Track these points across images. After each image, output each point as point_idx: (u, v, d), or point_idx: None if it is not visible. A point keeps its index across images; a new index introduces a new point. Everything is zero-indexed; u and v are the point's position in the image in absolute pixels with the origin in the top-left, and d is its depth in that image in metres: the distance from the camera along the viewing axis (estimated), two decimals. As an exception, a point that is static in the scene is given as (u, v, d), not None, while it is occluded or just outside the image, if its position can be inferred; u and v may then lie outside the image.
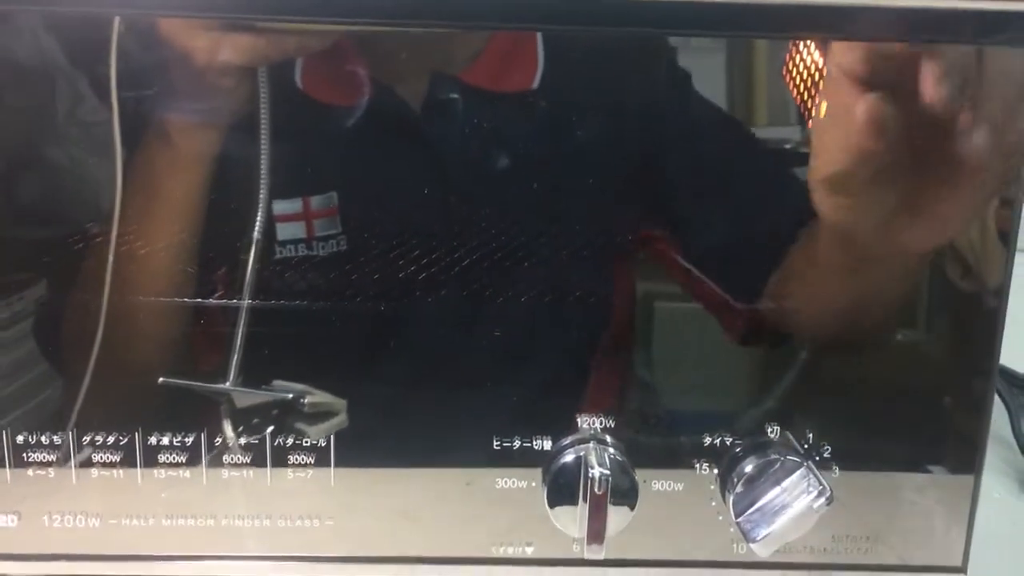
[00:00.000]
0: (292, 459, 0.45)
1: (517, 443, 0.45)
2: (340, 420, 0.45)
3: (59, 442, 0.44)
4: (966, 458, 0.47)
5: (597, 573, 0.47)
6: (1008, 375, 0.68)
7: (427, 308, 0.44)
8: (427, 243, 0.44)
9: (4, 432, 0.44)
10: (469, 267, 0.44)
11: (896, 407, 0.47)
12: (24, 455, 0.44)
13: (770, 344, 0.46)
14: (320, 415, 0.45)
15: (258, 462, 0.45)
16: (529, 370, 0.46)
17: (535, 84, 0.43)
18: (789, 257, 0.45)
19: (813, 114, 0.43)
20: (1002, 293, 0.45)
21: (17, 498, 0.45)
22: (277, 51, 0.41)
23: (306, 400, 0.45)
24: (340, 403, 0.45)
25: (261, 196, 0.43)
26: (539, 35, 0.42)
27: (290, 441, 0.45)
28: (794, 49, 0.42)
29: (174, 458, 0.45)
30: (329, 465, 0.45)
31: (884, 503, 0.47)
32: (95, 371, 0.44)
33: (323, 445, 0.45)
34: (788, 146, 0.44)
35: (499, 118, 0.43)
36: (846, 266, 0.44)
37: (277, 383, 0.45)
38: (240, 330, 0.44)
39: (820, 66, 0.42)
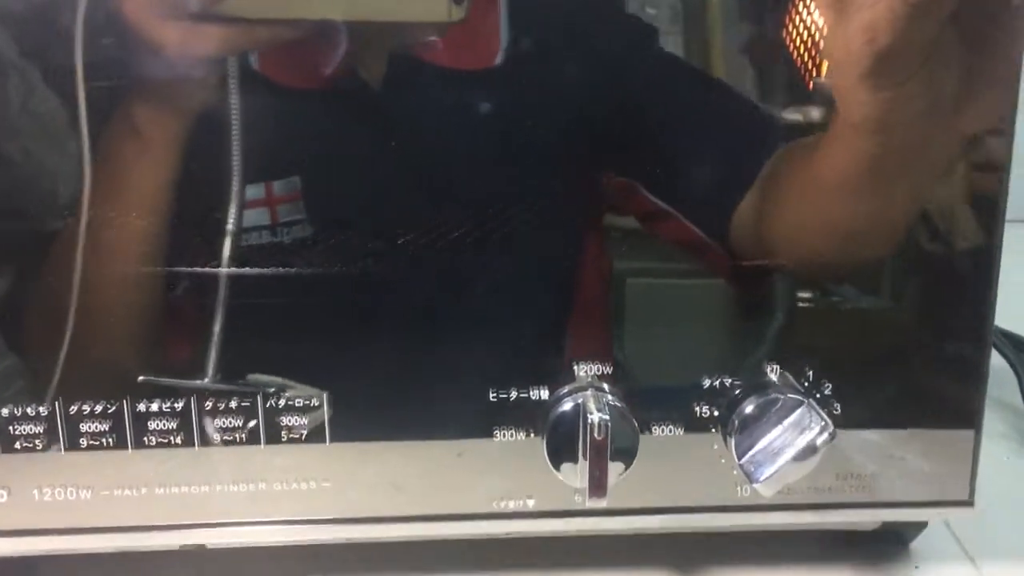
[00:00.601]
0: (284, 421, 0.44)
1: (514, 394, 0.45)
2: (323, 411, 0.44)
3: (46, 413, 0.43)
4: (969, 392, 0.46)
5: (599, 523, 0.46)
6: (1015, 340, 0.69)
7: (401, 286, 0.44)
8: (394, 222, 0.43)
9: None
10: (435, 245, 0.43)
11: (894, 344, 0.46)
12: (11, 428, 0.43)
13: (758, 281, 0.46)
14: (302, 408, 0.44)
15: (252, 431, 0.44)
16: (512, 331, 0.45)
17: (498, 61, 0.43)
18: (772, 184, 0.45)
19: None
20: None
21: (6, 473, 0.44)
22: (249, 41, 0.40)
23: (287, 394, 0.44)
24: (320, 394, 0.44)
25: (234, 184, 0.42)
26: (503, 11, 0.42)
27: (282, 402, 0.44)
28: (793, 11, 0.42)
29: (165, 424, 0.44)
30: (324, 440, 0.45)
31: (887, 440, 0.46)
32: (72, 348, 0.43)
33: (317, 411, 0.44)
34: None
35: (462, 95, 0.43)
36: (857, 183, 0.44)
37: (254, 377, 0.44)
38: (217, 324, 0.43)
39: (820, 26, 0.42)
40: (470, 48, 0.43)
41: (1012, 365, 0.66)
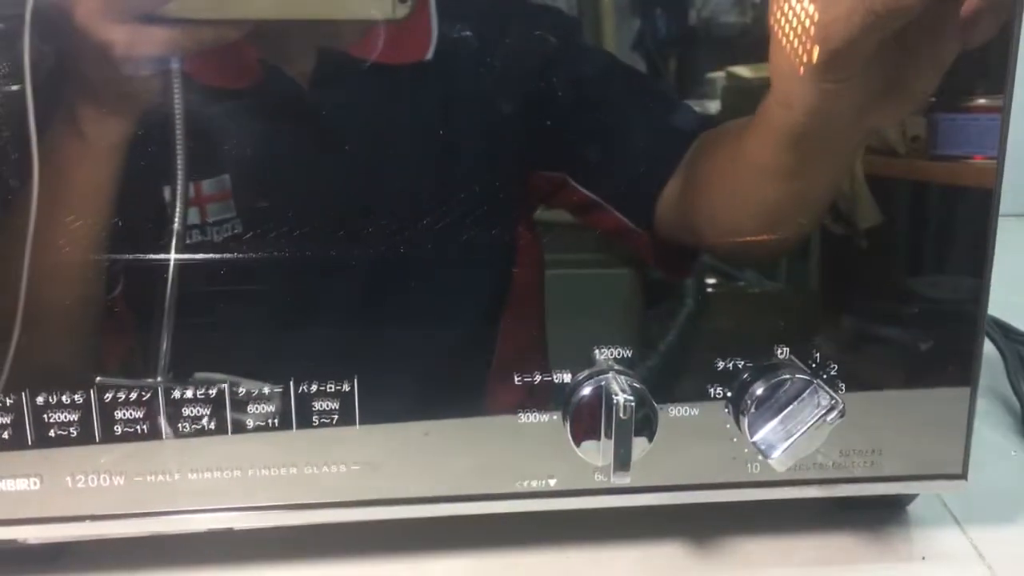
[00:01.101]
0: (317, 406, 0.45)
1: (537, 378, 0.46)
2: (275, 404, 0.45)
3: (80, 401, 0.44)
4: (962, 373, 0.49)
5: (619, 500, 0.48)
6: (1005, 328, 0.72)
7: (333, 281, 0.45)
8: (325, 217, 0.44)
9: (24, 394, 0.43)
10: (368, 240, 0.44)
11: (891, 326, 0.49)
12: (45, 416, 0.44)
13: (684, 264, 0.48)
14: (254, 400, 0.45)
15: (285, 415, 0.45)
16: (445, 324, 0.47)
17: (429, 55, 0.43)
18: (696, 170, 0.46)
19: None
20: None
21: (39, 460, 0.44)
22: (194, 41, 0.41)
23: (239, 389, 0.45)
24: (271, 387, 0.45)
25: (179, 185, 0.42)
26: (432, 5, 0.43)
27: (314, 388, 0.45)
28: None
29: (198, 411, 0.45)
30: (355, 422, 0.46)
31: (888, 418, 0.49)
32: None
33: (347, 395, 0.46)
34: None
35: (394, 90, 0.44)
36: (786, 168, 0.45)
37: (202, 375, 0.45)
38: (166, 322, 0.44)
39: (810, 13, 0.43)
40: (401, 43, 0.43)
41: (1000, 351, 0.70)
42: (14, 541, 0.46)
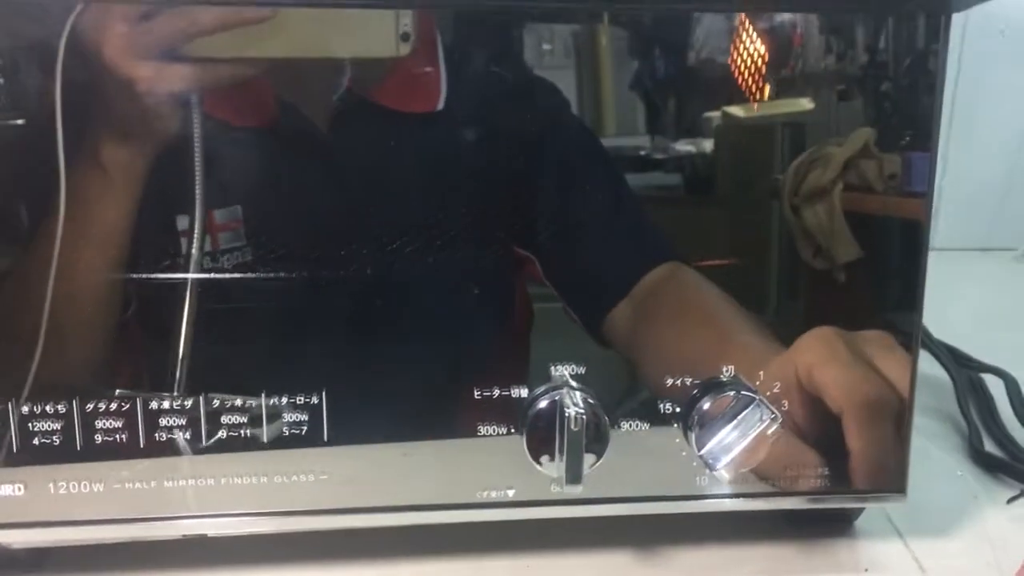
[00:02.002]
0: (286, 417, 0.48)
1: (496, 393, 0.49)
2: (284, 421, 0.48)
3: (63, 411, 0.46)
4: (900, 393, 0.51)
5: (574, 511, 0.50)
6: (957, 354, 0.75)
7: (335, 309, 0.48)
8: (328, 251, 0.47)
9: (10, 403, 0.46)
10: (369, 274, 0.47)
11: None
12: (30, 425, 0.46)
13: None
14: (265, 417, 0.48)
15: (254, 423, 0.48)
16: (441, 358, 0.49)
17: (440, 106, 0.46)
18: (650, 302, 0.50)
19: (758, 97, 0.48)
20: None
21: (23, 467, 0.47)
22: (213, 78, 0.44)
23: (250, 405, 0.48)
24: (282, 406, 0.48)
25: (197, 216, 0.46)
26: (441, 58, 0.46)
27: (284, 400, 0.48)
28: (742, 33, 0.47)
29: (173, 421, 0.47)
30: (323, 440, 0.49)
31: (831, 436, 0.51)
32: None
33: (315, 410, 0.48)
34: (641, 152, 0.49)
35: (404, 137, 0.47)
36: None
37: (216, 395, 0.47)
38: (183, 342, 0.47)
39: (762, 53, 0.47)
40: (414, 92, 0.46)
41: (951, 376, 0.73)
42: (-2, 545, 0.49)
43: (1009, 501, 0.59)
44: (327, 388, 0.48)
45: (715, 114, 0.49)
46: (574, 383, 0.49)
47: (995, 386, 0.71)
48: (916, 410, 0.51)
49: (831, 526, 0.56)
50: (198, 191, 0.45)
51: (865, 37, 0.48)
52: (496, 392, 0.49)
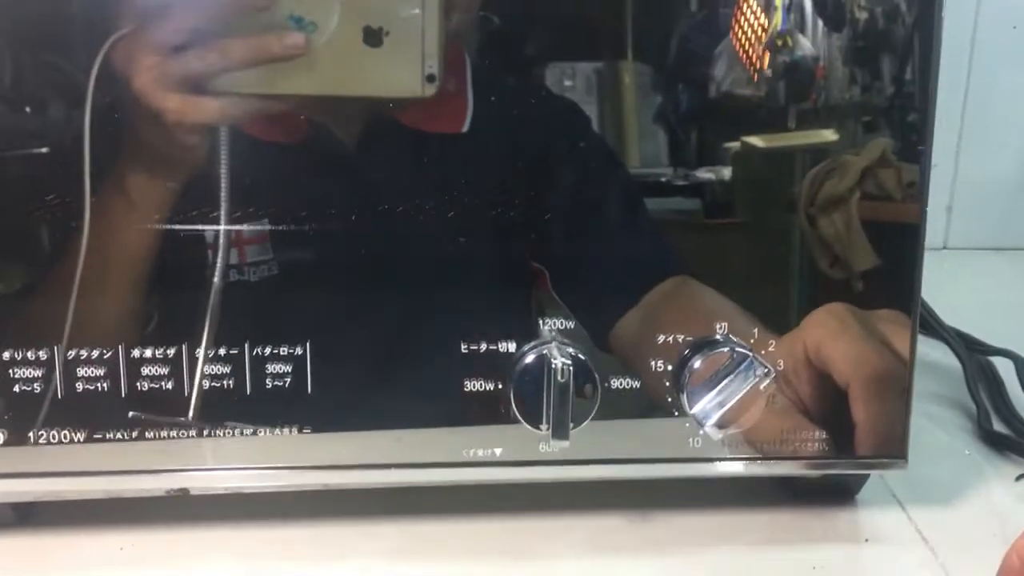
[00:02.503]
0: (270, 369, 0.47)
1: (483, 346, 0.48)
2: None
3: (44, 358, 0.46)
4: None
5: (562, 472, 0.49)
6: (968, 340, 0.73)
7: (360, 321, 0.48)
8: (354, 272, 0.48)
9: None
10: (394, 292, 0.48)
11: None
12: (10, 372, 0.46)
13: None
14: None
15: (238, 374, 0.47)
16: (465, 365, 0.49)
17: (465, 127, 0.47)
18: (656, 315, 0.49)
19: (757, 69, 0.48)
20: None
21: (2, 415, 0.46)
22: (239, 112, 0.45)
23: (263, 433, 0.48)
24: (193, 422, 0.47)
25: (220, 245, 0.46)
26: (469, 79, 0.47)
27: (268, 351, 0.47)
28: (739, 12, 0.47)
29: (157, 371, 0.47)
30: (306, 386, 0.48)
31: (836, 413, 0.50)
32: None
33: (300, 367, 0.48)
34: (663, 179, 0.49)
35: (430, 157, 0.48)
36: None
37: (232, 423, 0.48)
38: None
39: (765, 26, 0.47)
40: (441, 114, 0.47)
41: (961, 360, 0.71)
42: (-20, 499, 0.48)
43: (1018, 478, 0.57)
44: (339, 400, 0.48)
45: (735, 144, 0.49)
46: (563, 339, 0.48)
47: (1006, 370, 0.70)
48: (926, 396, 0.50)
49: (833, 497, 0.54)
50: (223, 209, 0.46)
51: (891, 68, 0.48)
52: (483, 347, 0.48)
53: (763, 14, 0.48)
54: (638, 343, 0.49)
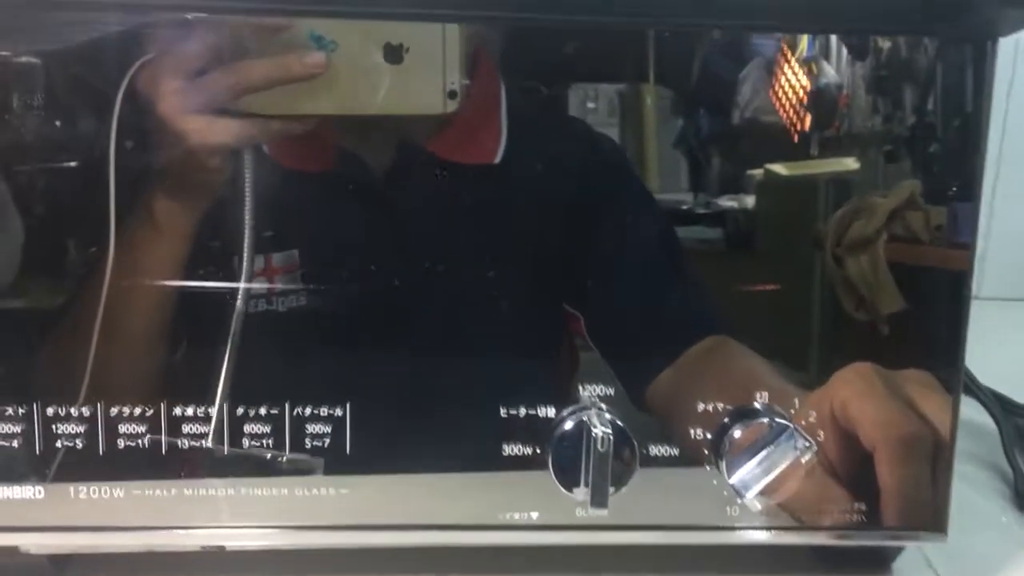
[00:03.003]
0: (308, 429, 0.47)
1: (523, 411, 0.48)
2: (318, 476, 0.48)
3: (87, 414, 0.46)
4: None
5: (598, 537, 0.49)
6: (1004, 401, 0.73)
7: (389, 353, 0.48)
8: (384, 302, 0.47)
9: (35, 404, 0.46)
10: (424, 326, 0.48)
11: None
12: (53, 427, 0.46)
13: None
14: (298, 471, 0.47)
15: (278, 437, 0.47)
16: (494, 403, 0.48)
17: (498, 158, 0.47)
18: (695, 372, 0.49)
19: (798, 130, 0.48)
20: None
21: (44, 469, 0.47)
22: (262, 133, 0.45)
23: (284, 458, 0.47)
24: (316, 461, 0.47)
25: (243, 271, 0.46)
26: (503, 110, 0.46)
27: (308, 411, 0.47)
28: (779, 72, 0.47)
29: (197, 429, 0.47)
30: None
31: (865, 473, 0.49)
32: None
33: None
34: (683, 207, 0.49)
35: (461, 188, 0.47)
36: None
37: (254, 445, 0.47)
38: (221, 389, 0.47)
39: (813, 107, 0.47)
40: (473, 144, 0.47)
41: (997, 422, 0.70)
42: (16, 550, 0.48)
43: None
44: (366, 432, 0.48)
45: (758, 172, 0.49)
46: (602, 404, 0.48)
47: (1043, 432, 0.69)
48: (960, 457, 0.49)
49: (866, 567, 0.54)
50: (247, 237, 0.46)
51: (913, 98, 0.48)
52: (522, 412, 0.48)
53: (804, 75, 0.48)
54: (674, 402, 0.49)
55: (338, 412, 0.47)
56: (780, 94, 0.47)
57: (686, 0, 0.45)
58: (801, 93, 0.47)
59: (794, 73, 0.47)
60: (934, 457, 0.49)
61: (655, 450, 0.48)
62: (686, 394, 0.48)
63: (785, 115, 0.48)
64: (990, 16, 0.45)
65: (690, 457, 0.49)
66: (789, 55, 0.47)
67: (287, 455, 0.47)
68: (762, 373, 0.49)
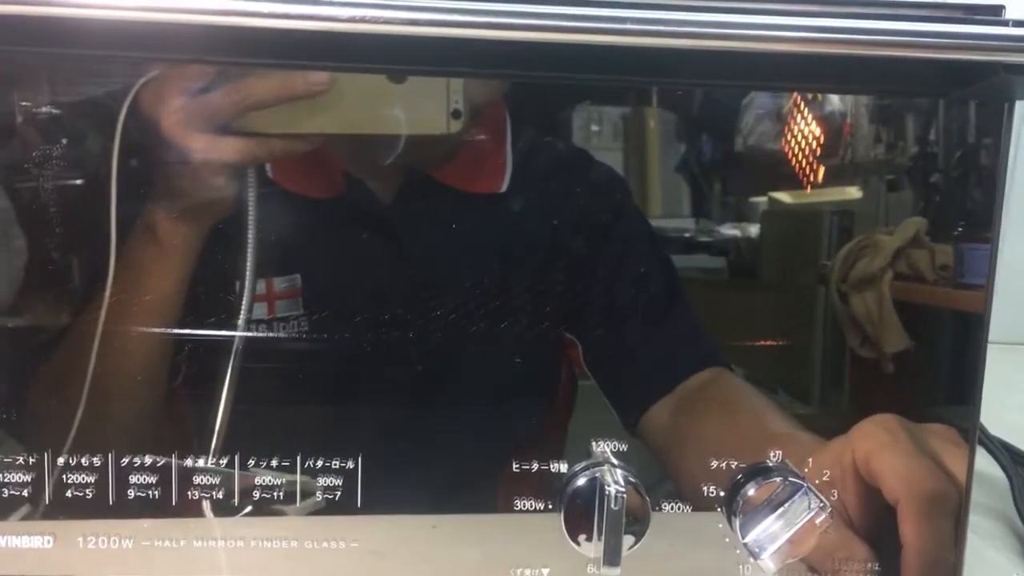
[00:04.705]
0: (320, 482, 0.47)
1: (535, 466, 0.48)
2: (316, 500, 0.47)
3: (98, 464, 0.46)
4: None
5: (610, 594, 0.49)
6: (1013, 452, 0.72)
7: (388, 380, 0.48)
8: (387, 327, 0.47)
9: (45, 454, 0.46)
10: (423, 347, 0.47)
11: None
12: (64, 477, 0.46)
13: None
14: (296, 495, 0.47)
15: (288, 493, 0.47)
16: (487, 432, 0.49)
17: (504, 188, 0.47)
18: (690, 404, 0.49)
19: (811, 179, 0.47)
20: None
21: (53, 519, 0.46)
22: (265, 153, 0.45)
23: (283, 481, 0.47)
24: (314, 483, 0.47)
25: (246, 288, 0.46)
26: (508, 141, 0.46)
27: (320, 463, 0.47)
28: (791, 120, 0.47)
29: (208, 480, 0.47)
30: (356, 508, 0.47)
31: (884, 528, 0.49)
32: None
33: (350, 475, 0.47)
34: (686, 235, 0.49)
35: (467, 217, 0.47)
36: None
37: (253, 467, 0.47)
38: (221, 413, 0.46)
39: (816, 136, 0.47)
40: (479, 173, 0.47)
41: (1008, 474, 0.70)
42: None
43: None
44: (364, 457, 0.47)
45: (761, 199, 0.49)
46: (615, 460, 0.48)
47: (1054, 484, 0.68)
48: (971, 509, 0.49)
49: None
50: (249, 261, 0.45)
51: (915, 128, 0.48)
52: (535, 466, 0.48)
53: (817, 126, 0.48)
54: (672, 432, 0.49)
55: (348, 464, 0.47)
56: (784, 124, 0.48)
57: (692, 63, 0.45)
58: (805, 123, 0.47)
59: (798, 101, 0.47)
60: (957, 515, 0.48)
61: (668, 507, 0.48)
62: (684, 422, 0.48)
63: (788, 144, 0.48)
64: (1006, 81, 0.45)
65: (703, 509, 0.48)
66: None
67: (286, 477, 0.47)
68: (771, 419, 0.49)
